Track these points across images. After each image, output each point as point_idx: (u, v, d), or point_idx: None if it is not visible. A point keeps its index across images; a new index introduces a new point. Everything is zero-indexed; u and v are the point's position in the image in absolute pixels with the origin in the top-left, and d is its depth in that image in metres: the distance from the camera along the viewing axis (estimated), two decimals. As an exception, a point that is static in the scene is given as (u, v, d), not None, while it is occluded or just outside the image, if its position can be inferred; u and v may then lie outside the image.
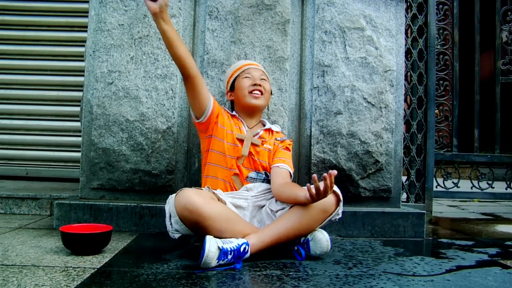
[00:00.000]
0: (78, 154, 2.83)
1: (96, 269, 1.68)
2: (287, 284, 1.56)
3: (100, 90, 2.58)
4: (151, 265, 1.77)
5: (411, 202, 3.26)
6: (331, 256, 2.01)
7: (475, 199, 4.52)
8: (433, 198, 3.32)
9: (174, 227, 1.86)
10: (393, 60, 2.69)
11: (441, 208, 4.21)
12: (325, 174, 1.73)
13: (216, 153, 2.19)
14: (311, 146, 2.62)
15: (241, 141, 2.20)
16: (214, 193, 1.97)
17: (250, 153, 2.19)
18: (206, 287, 1.52)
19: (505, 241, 2.54)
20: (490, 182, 3.60)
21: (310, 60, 2.67)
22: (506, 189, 3.62)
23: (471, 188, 3.58)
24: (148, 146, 2.55)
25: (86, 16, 2.72)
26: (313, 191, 1.77)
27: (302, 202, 1.88)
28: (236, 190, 2.16)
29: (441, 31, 3.47)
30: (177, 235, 1.88)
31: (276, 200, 2.07)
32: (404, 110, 3.04)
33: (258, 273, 1.71)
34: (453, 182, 3.52)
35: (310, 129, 2.63)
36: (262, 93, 2.25)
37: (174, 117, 2.57)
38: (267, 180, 2.21)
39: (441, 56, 3.47)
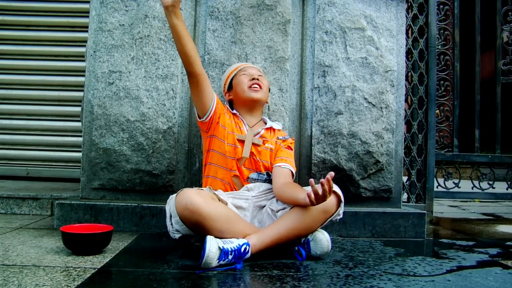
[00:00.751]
0: (79, 154, 2.83)
1: (96, 269, 1.68)
2: (288, 284, 1.56)
3: (101, 90, 2.58)
4: (152, 265, 1.77)
5: (412, 202, 3.26)
6: (331, 256, 2.00)
7: (476, 200, 4.52)
8: (434, 198, 3.32)
9: (174, 227, 1.86)
10: (393, 60, 2.69)
11: (442, 208, 4.20)
12: (322, 180, 1.73)
13: (217, 153, 2.19)
14: (311, 146, 2.62)
15: (242, 142, 2.20)
16: (214, 193, 1.97)
17: (251, 153, 2.19)
18: (207, 287, 1.52)
19: (506, 241, 2.53)
20: (491, 182, 3.60)
21: (310, 60, 2.67)
22: (507, 189, 3.62)
23: (472, 188, 3.58)
24: (148, 146, 2.55)
25: (87, 16, 2.73)
26: (313, 197, 1.77)
27: (302, 205, 1.88)
28: (236, 190, 2.16)
29: (441, 31, 3.47)
30: (177, 235, 1.88)
31: (277, 200, 2.06)
32: (405, 110, 3.04)
33: (259, 273, 1.71)
34: (454, 182, 3.52)
35: (311, 129, 2.63)
36: (260, 87, 2.25)
37: (175, 117, 2.57)
38: (268, 180, 2.21)
39: (442, 56, 3.46)
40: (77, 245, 1.90)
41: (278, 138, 2.28)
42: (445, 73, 3.48)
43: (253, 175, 2.18)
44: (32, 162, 4.09)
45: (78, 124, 3.35)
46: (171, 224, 1.87)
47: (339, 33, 2.65)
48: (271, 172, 2.20)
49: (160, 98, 2.57)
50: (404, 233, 2.55)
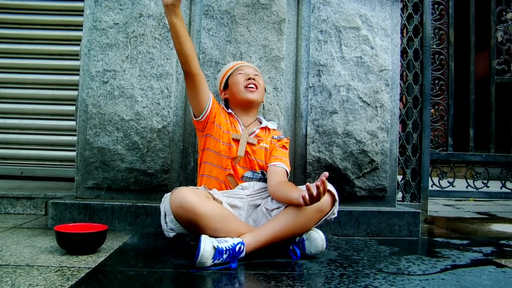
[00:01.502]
0: (73, 154, 2.81)
1: (91, 269, 1.67)
2: (282, 283, 1.56)
3: (95, 89, 2.57)
4: (147, 265, 1.77)
5: (407, 202, 3.26)
6: (326, 255, 2.01)
7: (470, 198, 4.53)
8: (429, 197, 3.32)
9: (169, 225, 1.85)
10: (388, 60, 2.69)
11: (437, 207, 4.22)
12: (317, 183, 1.73)
13: (212, 152, 2.18)
14: (306, 146, 2.62)
15: (237, 141, 2.20)
16: (209, 192, 1.97)
17: (246, 152, 2.19)
18: (201, 287, 1.52)
19: (500, 240, 2.54)
20: (485, 181, 3.61)
21: (305, 59, 2.67)
22: (501, 188, 3.63)
23: (467, 187, 3.59)
24: (143, 145, 2.55)
25: (82, 15, 2.72)
26: (307, 198, 1.77)
27: (296, 204, 1.88)
28: (231, 189, 2.15)
29: (436, 30, 3.47)
30: (172, 234, 1.88)
31: (272, 199, 2.06)
32: (400, 110, 3.05)
33: (253, 272, 1.71)
34: (448, 181, 3.53)
35: (306, 129, 2.63)
36: (256, 87, 2.25)
37: (170, 116, 2.56)
38: (263, 179, 2.21)
39: (437, 55, 3.47)
40: (71, 244, 1.90)
41: (273, 138, 2.28)
42: (440, 72, 3.49)
43: (248, 173, 2.18)
44: (26, 161, 4.07)
45: (73, 123, 3.34)
46: (166, 222, 1.87)
47: (334, 32, 2.65)
48: (266, 172, 2.20)
49: (155, 97, 2.56)
50: (399, 232, 2.55)
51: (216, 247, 1.72)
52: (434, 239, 2.56)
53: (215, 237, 1.78)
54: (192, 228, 1.81)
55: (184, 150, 2.62)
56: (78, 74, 2.67)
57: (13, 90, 4.09)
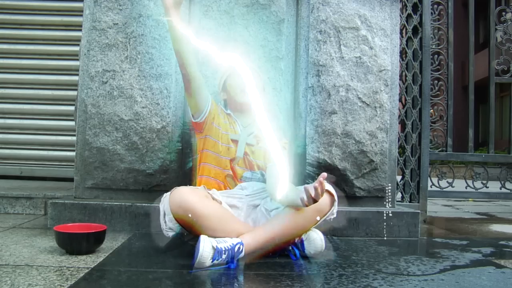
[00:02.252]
0: (73, 154, 2.82)
1: (90, 269, 1.67)
2: (282, 283, 1.56)
3: (95, 89, 2.57)
4: (146, 265, 1.77)
5: (406, 202, 3.26)
6: (325, 255, 2.00)
7: (469, 199, 4.54)
8: (428, 198, 3.32)
9: (168, 225, 1.85)
10: (387, 60, 2.70)
11: (436, 207, 4.22)
12: (315, 184, 1.73)
13: (211, 153, 2.18)
14: (305, 146, 2.62)
15: (236, 142, 2.19)
16: (208, 192, 1.97)
17: (245, 153, 2.19)
18: (200, 287, 1.52)
19: (499, 240, 2.55)
20: (484, 181, 3.61)
21: (305, 59, 2.67)
22: (500, 188, 3.63)
23: (466, 187, 3.59)
24: (142, 146, 2.55)
25: (81, 15, 2.71)
26: (305, 199, 1.76)
27: (294, 205, 1.88)
28: (230, 189, 2.15)
29: (436, 31, 3.48)
30: (171, 234, 1.88)
31: (271, 199, 2.06)
32: (399, 110, 3.05)
33: (253, 272, 1.71)
34: (447, 181, 3.53)
35: (305, 129, 2.63)
36: None
37: (169, 116, 2.57)
38: (262, 179, 2.21)
39: (436, 56, 3.47)
40: (70, 244, 1.90)
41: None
42: (439, 72, 3.49)
43: (247, 174, 2.18)
44: (25, 161, 4.07)
45: (72, 123, 3.34)
46: (165, 222, 1.87)
47: (333, 33, 2.65)
48: (265, 172, 2.20)
49: (154, 97, 2.56)
50: (398, 233, 2.55)
51: (215, 247, 1.72)
52: (433, 239, 2.56)
53: (214, 237, 1.78)
54: (191, 228, 1.81)
55: (183, 150, 2.62)
56: (77, 74, 2.67)
57: (13, 90, 4.09)
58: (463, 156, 3.65)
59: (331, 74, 2.63)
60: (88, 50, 2.60)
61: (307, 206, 1.79)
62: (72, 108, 3.26)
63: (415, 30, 3.34)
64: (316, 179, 1.76)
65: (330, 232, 2.51)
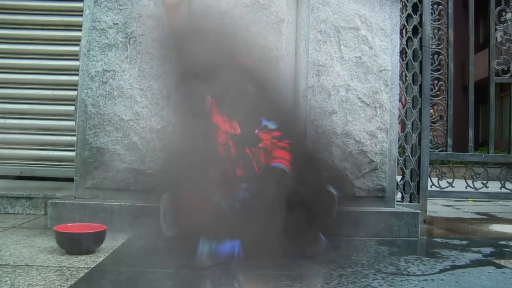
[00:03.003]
0: (73, 154, 2.81)
1: (90, 269, 1.67)
2: (281, 283, 1.56)
3: (95, 89, 2.57)
4: (146, 265, 1.77)
5: (406, 202, 3.26)
6: (325, 255, 2.00)
7: (469, 199, 4.54)
8: (428, 198, 3.32)
9: (168, 225, 1.85)
10: (387, 60, 2.69)
11: (436, 207, 4.22)
12: None
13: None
14: (305, 146, 2.61)
15: (236, 142, 2.19)
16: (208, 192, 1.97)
17: (245, 153, 2.18)
18: (200, 287, 1.52)
19: (499, 240, 2.55)
20: (484, 181, 3.61)
21: (305, 59, 2.67)
22: (500, 188, 3.63)
23: (466, 187, 3.59)
24: (142, 146, 2.55)
25: (81, 15, 2.71)
26: None
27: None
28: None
29: (436, 31, 3.47)
30: (171, 234, 1.88)
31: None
32: (399, 110, 3.05)
33: (252, 272, 1.71)
34: (447, 181, 3.53)
35: (305, 129, 2.63)
36: None
37: (169, 116, 2.56)
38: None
39: (436, 56, 3.47)
40: (70, 244, 1.90)
41: (273, 138, 2.27)
42: (439, 72, 3.49)
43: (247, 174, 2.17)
44: (25, 161, 4.06)
45: (72, 123, 3.33)
46: (165, 222, 1.87)
47: (333, 33, 2.65)
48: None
49: (154, 97, 2.56)
50: (398, 233, 2.55)
51: (215, 247, 1.72)
52: (433, 239, 2.57)
53: (214, 237, 1.78)
54: (191, 228, 1.80)
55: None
56: (77, 74, 2.67)
57: (13, 90, 4.08)
58: (463, 156, 3.65)
59: (331, 74, 2.63)
60: (88, 50, 2.60)
61: None
62: (72, 108, 3.25)
63: (415, 30, 3.34)
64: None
65: (330, 232, 2.50)
